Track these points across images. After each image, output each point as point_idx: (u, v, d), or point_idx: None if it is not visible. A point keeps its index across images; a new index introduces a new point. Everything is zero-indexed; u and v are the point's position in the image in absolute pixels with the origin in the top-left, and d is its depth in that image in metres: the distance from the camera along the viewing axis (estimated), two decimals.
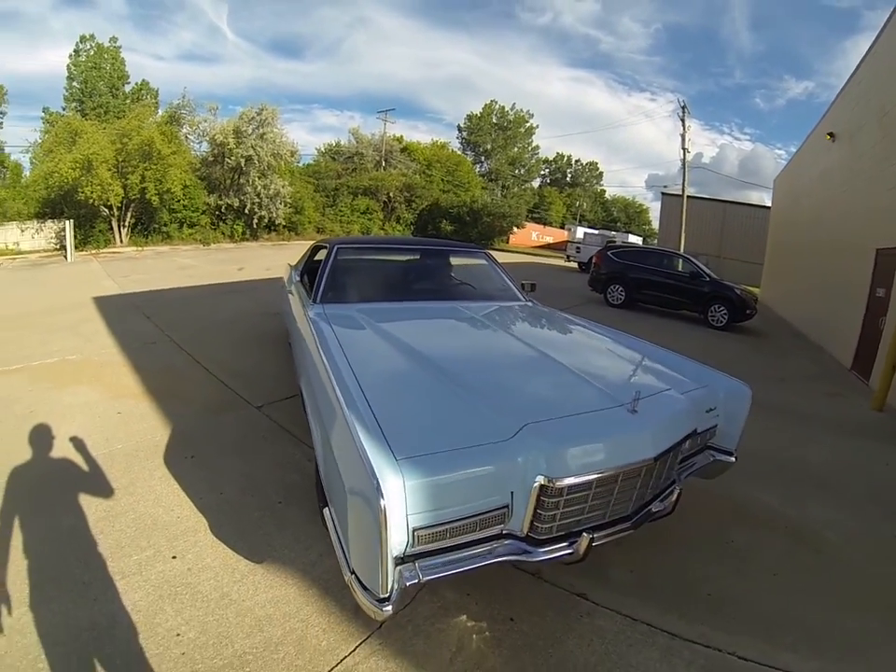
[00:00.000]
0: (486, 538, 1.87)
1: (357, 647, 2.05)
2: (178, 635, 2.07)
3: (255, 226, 25.76)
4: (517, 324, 3.72)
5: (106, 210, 20.84)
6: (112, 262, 17.50)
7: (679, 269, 11.32)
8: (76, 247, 19.38)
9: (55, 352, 6.18)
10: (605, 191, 66.47)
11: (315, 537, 2.68)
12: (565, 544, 1.97)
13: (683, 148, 24.28)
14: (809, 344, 9.97)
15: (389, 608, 1.61)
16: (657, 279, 11.36)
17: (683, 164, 24.44)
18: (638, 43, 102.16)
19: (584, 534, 1.96)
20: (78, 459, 3.53)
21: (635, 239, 30.41)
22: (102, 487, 3.18)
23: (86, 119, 23.65)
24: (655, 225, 36.82)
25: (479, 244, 33.32)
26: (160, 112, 25.66)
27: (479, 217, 34.04)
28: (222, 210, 25.20)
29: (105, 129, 20.78)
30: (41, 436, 3.88)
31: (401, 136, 41.41)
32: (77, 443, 3.77)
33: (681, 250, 23.74)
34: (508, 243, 38.68)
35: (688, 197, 25.67)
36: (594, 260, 13.19)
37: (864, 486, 4.08)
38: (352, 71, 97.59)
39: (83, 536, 2.69)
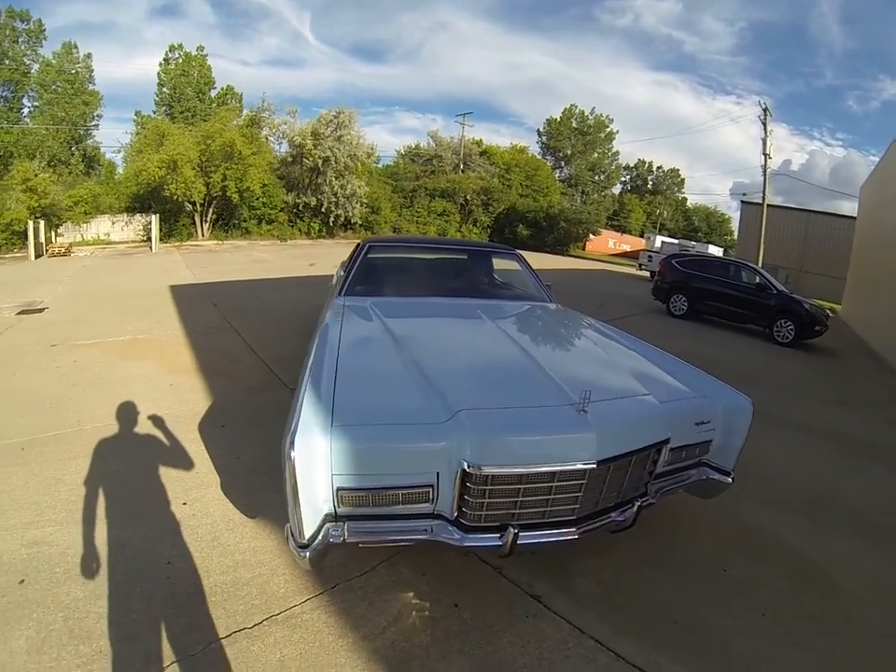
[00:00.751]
0: (417, 514, 2.02)
1: (307, 599, 2.33)
2: (169, 563, 2.49)
3: (331, 224, 27.17)
4: (520, 323, 3.76)
5: (190, 206, 22.87)
6: (192, 254, 19.08)
7: (745, 280, 10.86)
8: (160, 239, 21.33)
9: (128, 331, 7.01)
10: (686, 199, 64.04)
11: None
12: (495, 535, 2.02)
13: (764, 154, 22.93)
14: (887, 369, 9.19)
15: (306, 554, 1.85)
16: (721, 290, 10.95)
17: (764, 171, 23.10)
18: (723, 43, 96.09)
19: (510, 528, 2.00)
20: (129, 420, 4.09)
21: (715, 250, 28.84)
22: (144, 443, 3.73)
23: (174, 122, 26.17)
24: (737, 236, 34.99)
25: (555, 249, 33.34)
26: (243, 115, 27.84)
27: (555, 223, 33.91)
28: (300, 208, 26.87)
29: (190, 131, 22.79)
30: (103, 398, 4.54)
31: (480, 140, 42.03)
32: (131, 407, 4.37)
33: (759, 262, 22.33)
34: (584, 249, 38.19)
35: (768, 206, 24.19)
36: (658, 269, 12.93)
37: None
38: (433, 74, 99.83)
39: (121, 478, 3.22)
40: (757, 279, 10.66)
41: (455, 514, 2.03)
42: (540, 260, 24.61)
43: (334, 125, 25.93)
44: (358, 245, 4.69)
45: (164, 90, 34.47)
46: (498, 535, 2.01)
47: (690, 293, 11.44)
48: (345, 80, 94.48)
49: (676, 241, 30.04)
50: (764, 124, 22.73)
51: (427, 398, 2.18)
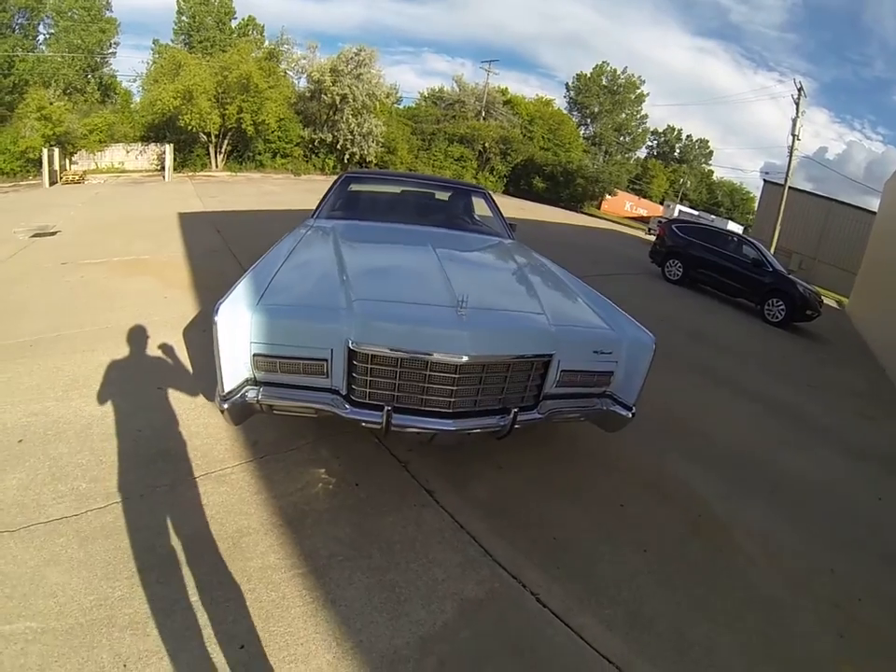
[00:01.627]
0: (317, 387, 2.37)
1: (239, 464, 2.79)
2: (139, 431, 2.98)
3: (346, 161, 27.00)
4: (459, 248, 3.95)
5: (205, 137, 22.83)
6: (205, 185, 19.25)
7: (743, 254, 10.65)
8: (174, 169, 21.56)
9: (133, 251, 7.40)
10: (713, 172, 61.28)
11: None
12: (377, 412, 2.29)
13: (793, 135, 21.96)
14: (873, 366, 9.04)
15: (224, 405, 2.23)
16: (717, 260, 10.86)
17: (790, 151, 22.14)
18: (772, 17, 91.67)
19: (386, 406, 2.27)
20: (124, 324, 4.51)
21: (735, 227, 28.19)
22: (134, 342, 4.17)
23: (192, 52, 25.72)
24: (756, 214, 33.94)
25: (569, 205, 32.97)
26: (265, 45, 27.38)
27: (572, 179, 33.38)
28: (315, 144, 26.76)
29: (207, 62, 22.59)
30: (104, 307, 4.99)
31: (506, 88, 40.68)
32: (127, 314, 4.79)
33: (774, 245, 21.80)
34: (599, 209, 37.62)
35: (790, 189, 23.17)
36: (657, 231, 12.80)
37: (835, 512, 3.52)
38: (465, 18, 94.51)
39: (111, 368, 3.69)
40: (754, 254, 10.50)
41: (346, 392, 2.36)
42: (551, 214, 24.55)
43: (355, 63, 25.47)
44: (339, 175, 4.97)
45: (184, 18, 33.45)
46: (379, 412, 2.29)
47: (686, 259, 11.43)
48: (374, 18, 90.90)
49: (696, 212, 29.36)
50: (797, 104, 21.70)
51: (339, 290, 2.53)
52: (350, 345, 2.25)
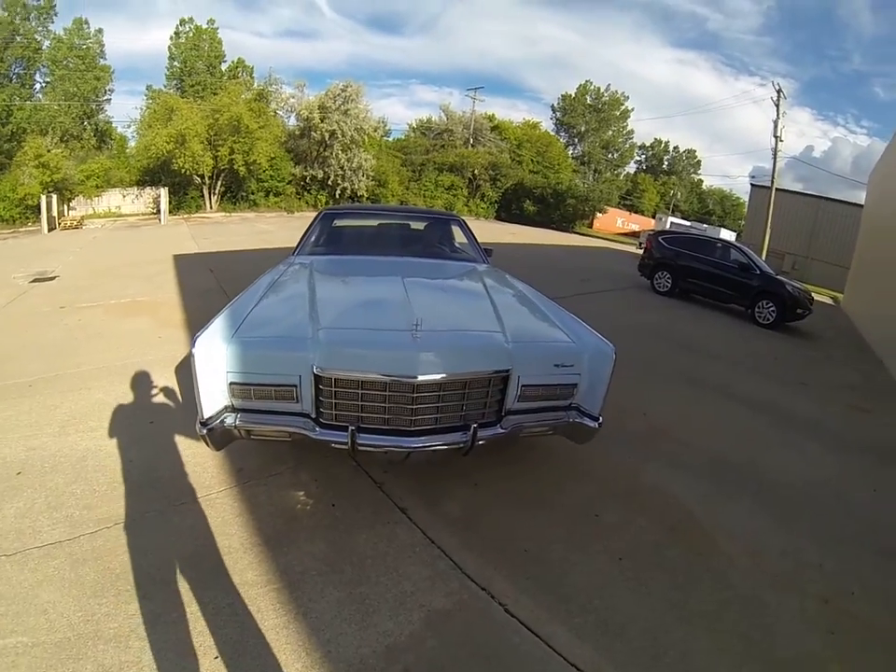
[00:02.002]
0: (289, 412, 2.56)
1: (224, 489, 2.99)
2: (131, 461, 3.20)
3: (337, 196, 27.56)
4: (429, 274, 4.11)
5: (199, 179, 23.44)
6: (199, 226, 19.69)
7: (730, 259, 10.81)
8: (169, 212, 22.06)
9: (129, 294, 7.67)
10: (702, 181, 62.79)
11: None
12: (343, 433, 2.46)
13: (775, 136, 22.42)
14: (869, 358, 9.04)
15: (205, 430, 2.43)
16: (704, 268, 10.98)
17: (774, 154, 22.68)
18: (748, 22, 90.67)
19: (350, 427, 2.45)
20: (119, 363, 4.74)
21: (727, 234, 28.36)
22: (128, 380, 4.36)
23: (184, 96, 26.63)
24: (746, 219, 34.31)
25: (560, 226, 33.48)
26: (254, 86, 28.26)
27: (562, 200, 33.98)
28: (307, 181, 27.37)
29: (199, 105, 23.38)
30: (100, 348, 5.24)
31: (493, 115, 41.78)
32: (123, 353, 5.03)
33: (765, 247, 22.14)
34: (591, 227, 38.16)
35: (777, 190, 23.60)
36: (644, 245, 12.96)
37: (826, 508, 3.50)
38: (450, 47, 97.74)
39: (105, 405, 3.90)
40: (740, 259, 10.66)
41: (315, 415, 2.54)
42: (542, 236, 24.89)
43: (342, 98, 26.20)
44: (318, 213, 5.24)
45: (175, 63, 34.49)
46: (346, 433, 2.46)
47: (674, 270, 11.59)
48: (360, 52, 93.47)
49: (688, 223, 29.78)
50: (777, 105, 22.35)
51: (308, 321, 2.72)
52: (315, 370, 2.44)
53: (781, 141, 22.60)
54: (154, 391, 4.19)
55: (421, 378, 2.44)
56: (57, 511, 2.67)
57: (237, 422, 2.49)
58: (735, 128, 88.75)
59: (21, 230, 20.24)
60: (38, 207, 19.86)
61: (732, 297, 10.66)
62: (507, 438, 2.74)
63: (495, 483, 3.22)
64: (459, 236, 5.28)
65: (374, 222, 5.77)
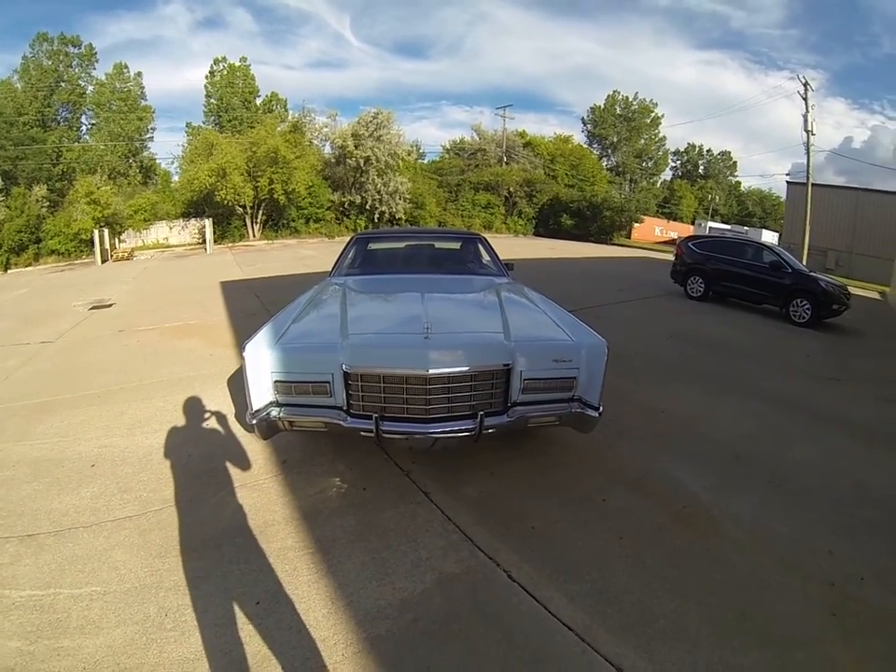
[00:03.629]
0: (324, 405, 3.01)
1: (269, 477, 3.47)
2: (190, 455, 3.74)
3: (376, 220, 28.51)
4: (447, 288, 4.53)
5: (241, 209, 24.72)
6: (243, 254, 20.79)
7: (761, 260, 10.70)
8: (214, 241, 23.34)
9: (181, 318, 8.41)
10: (740, 183, 61.09)
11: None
12: (369, 421, 2.89)
13: (807, 131, 22.02)
14: None
15: (254, 420, 2.93)
16: (736, 270, 10.97)
17: (807, 149, 22.22)
18: (771, 16, 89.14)
19: (374, 416, 2.88)
20: (176, 378, 5.36)
21: (769, 235, 27.80)
22: (184, 391, 4.92)
23: (222, 131, 28.41)
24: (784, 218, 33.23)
25: (598, 238, 33.48)
26: (288, 119, 29.64)
27: (598, 212, 33.97)
28: (345, 206, 28.45)
29: (237, 140, 24.78)
30: (158, 365, 5.89)
31: (524, 131, 42.29)
32: (180, 369, 5.66)
33: (805, 245, 21.68)
34: (629, 238, 37.92)
35: (814, 185, 23.14)
36: (675, 251, 12.96)
37: (845, 497, 3.52)
38: (477, 67, 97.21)
39: (164, 411, 4.52)
40: (771, 258, 10.57)
41: (346, 407, 2.99)
42: (581, 250, 25.03)
43: (374, 125, 27.22)
44: (350, 237, 5.78)
45: (212, 101, 36.81)
46: (371, 421, 2.89)
47: (706, 275, 11.59)
48: (389, 77, 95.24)
49: (728, 227, 29.24)
50: (805, 99, 22.03)
51: (339, 330, 3.21)
52: (344, 368, 2.90)
53: (813, 135, 22.13)
54: (208, 399, 4.72)
55: (432, 371, 2.86)
56: (127, 494, 3.20)
57: (281, 414, 2.97)
58: (770, 125, 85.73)
59: (76, 262, 21.93)
60: (91, 241, 21.44)
61: (765, 297, 10.58)
62: (513, 426, 3.09)
63: (511, 473, 3.53)
64: (481, 253, 5.67)
65: (401, 244, 6.34)
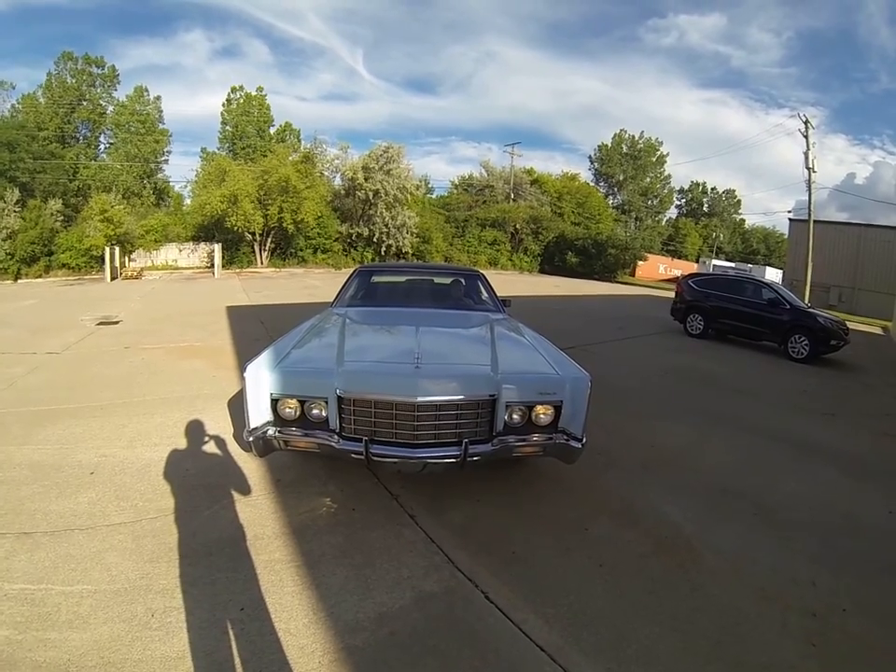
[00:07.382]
0: (318, 427, 3.13)
1: (262, 494, 3.58)
2: (187, 470, 3.84)
3: (383, 253, 29.03)
4: (441, 322, 4.70)
5: (250, 236, 25.21)
6: (250, 280, 21.16)
7: (760, 297, 10.91)
8: (222, 266, 23.79)
9: (186, 339, 8.62)
10: (744, 221, 62.19)
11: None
12: (360, 444, 3.00)
13: (807, 168, 22.58)
14: None
15: (251, 438, 3.06)
16: (734, 307, 11.18)
17: (808, 186, 22.68)
18: (770, 55, 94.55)
19: (364, 439, 3.00)
20: (179, 396, 5.51)
21: (773, 273, 28.16)
22: (185, 408, 5.07)
23: (236, 158, 29.09)
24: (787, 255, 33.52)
25: (603, 276, 33.87)
26: (301, 147, 30.53)
27: (603, 250, 34.46)
28: (353, 238, 28.96)
29: (249, 167, 25.41)
30: (162, 382, 6.04)
31: (531, 168, 43.23)
32: (182, 388, 5.80)
33: (808, 282, 21.90)
34: (633, 275, 38.29)
35: (816, 222, 23.56)
36: (675, 289, 13.15)
37: (833, 530, 3.55)
38: (485, 104, 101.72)
39: (165, 426, 4.65)
40: (769, 295, 10.77)
41: (339, 429, 3.10)
42: (585, 287, 25.34)
43: (384, 159, 27.93)
44: (353, 270, 6.02)
45: (227, 128, 37.91)
46: (361, 444, 3.01)
47: (705, 312, 11.77)
48: (399, 112, 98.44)
49: (732, 264, 29.46)
50: (806, 137, 22.60)
51: (335, 357, 3.36)
52: (338, 393, 3.04)
53: (815, 172, 22.56)
54: (208, 418, 4.85)
55: (420, 399, 2.99)
56: (124, 502, 3.32)
57: (276, 433, 3.11)
58: (772, 162, 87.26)
59: (85, 277, 22.46)
60: (102, 258, 21.97)
61: (764, 334, 10.72)
62: (498, 455, 3.18)
63: (497, 502, 3.61)
64: (479, 289, 5.86)
65: (402, 278, 6.58)
